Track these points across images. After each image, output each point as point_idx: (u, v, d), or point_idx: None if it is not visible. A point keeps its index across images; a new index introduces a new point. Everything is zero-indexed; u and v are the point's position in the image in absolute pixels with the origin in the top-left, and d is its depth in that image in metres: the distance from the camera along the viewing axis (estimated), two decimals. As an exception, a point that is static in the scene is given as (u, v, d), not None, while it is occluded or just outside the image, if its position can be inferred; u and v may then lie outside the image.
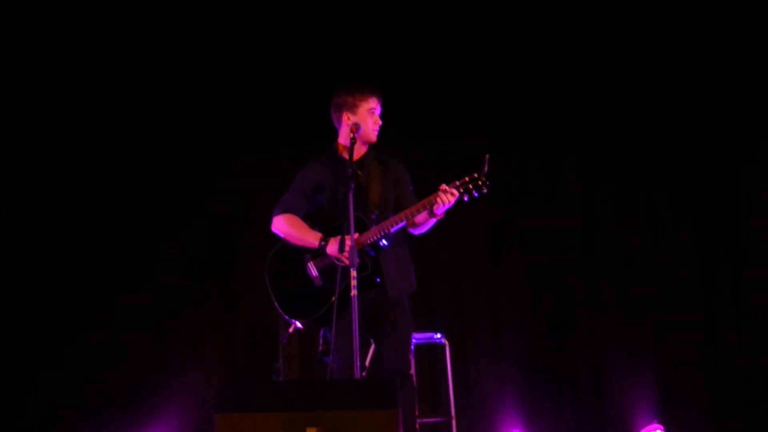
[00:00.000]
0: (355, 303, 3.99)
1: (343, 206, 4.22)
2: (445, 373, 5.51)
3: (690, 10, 6.12)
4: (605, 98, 6.17)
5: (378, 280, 4.30)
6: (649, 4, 6.15)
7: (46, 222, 6.13)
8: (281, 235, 4.46)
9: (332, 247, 4.22)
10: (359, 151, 4.43)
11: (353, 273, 4.01)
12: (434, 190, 4.18)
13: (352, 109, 4.40)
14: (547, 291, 6.15)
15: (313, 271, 4.35)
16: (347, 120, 4.40)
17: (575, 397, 6.03)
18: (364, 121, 4.38)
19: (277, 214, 4.47)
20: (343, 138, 4.43)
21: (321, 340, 4.44)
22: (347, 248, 4.08)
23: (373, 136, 4.45)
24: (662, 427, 5.64)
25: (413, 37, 6.22)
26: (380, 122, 4.45)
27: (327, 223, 4.39)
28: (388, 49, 6.19)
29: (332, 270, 4.20)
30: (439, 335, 5.47)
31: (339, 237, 4.16)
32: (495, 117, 6.19)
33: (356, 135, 4.29)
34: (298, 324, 4.36)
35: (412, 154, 6.08)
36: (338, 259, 4.18)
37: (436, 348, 5.72)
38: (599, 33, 6.18)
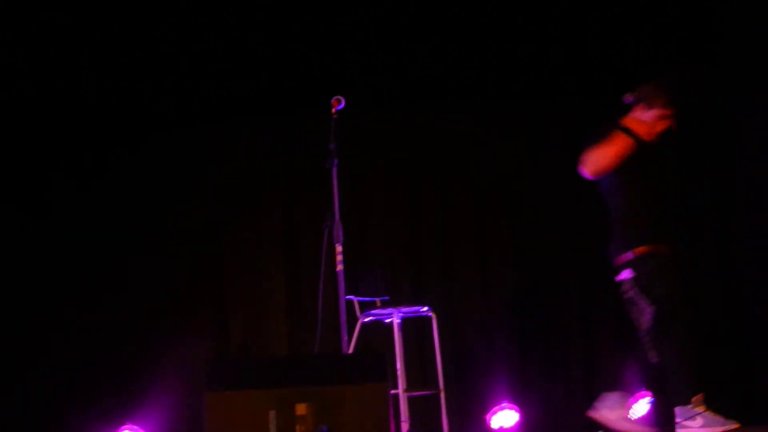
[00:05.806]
0: (341, 279, 4.06)
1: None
2: (433, 347, 5.51)
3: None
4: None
5: None
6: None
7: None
8: None
9: None
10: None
11: (339, 248, 4.15)
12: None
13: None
14: (537, 263, 6.15)
15: None
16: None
17: (565, 371, 6.05)
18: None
19: None
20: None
21: None
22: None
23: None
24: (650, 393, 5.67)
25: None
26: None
27: None
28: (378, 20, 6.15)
29: None
30: (425, 308, 5.48)
31: None
32: (483, 90, 6.20)
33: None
34: None
35: (397, 126, 6.20)
36: None
37: (424, 321, 5.73)
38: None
